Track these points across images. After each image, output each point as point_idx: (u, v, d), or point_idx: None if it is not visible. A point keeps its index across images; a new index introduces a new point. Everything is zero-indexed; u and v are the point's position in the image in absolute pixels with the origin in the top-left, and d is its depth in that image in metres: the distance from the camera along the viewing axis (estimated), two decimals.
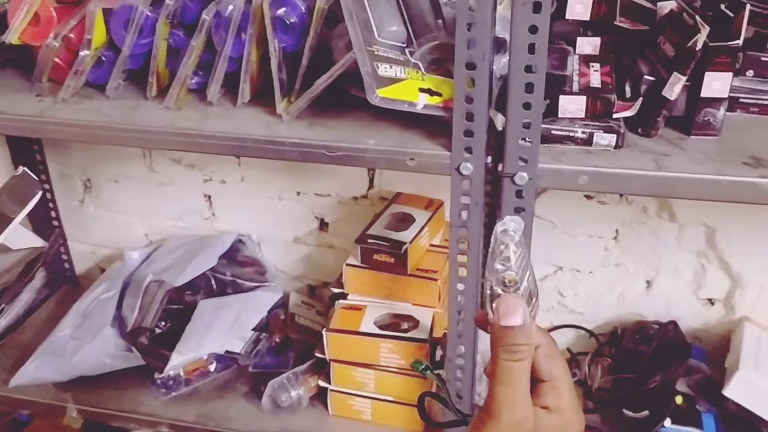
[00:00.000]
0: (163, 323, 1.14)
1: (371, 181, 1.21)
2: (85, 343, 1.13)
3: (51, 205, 1.34)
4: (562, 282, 1.20)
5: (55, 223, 1.35)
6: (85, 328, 1.16)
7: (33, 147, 1.28)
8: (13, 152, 1.29)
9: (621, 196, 1.11)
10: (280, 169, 1.24)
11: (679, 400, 1.01)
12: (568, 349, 1.19)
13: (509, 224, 0.50)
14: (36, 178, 1.10)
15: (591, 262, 1.17)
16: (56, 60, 0.93)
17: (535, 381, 0.50)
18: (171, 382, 1.13)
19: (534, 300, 0.51)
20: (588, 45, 0.88)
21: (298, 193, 1.26)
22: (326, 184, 1.24)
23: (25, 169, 1.08)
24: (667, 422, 0.98)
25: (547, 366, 0.49)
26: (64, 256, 1.39)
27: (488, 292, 0.50)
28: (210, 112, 0.89)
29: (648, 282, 1.17)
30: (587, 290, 1.20)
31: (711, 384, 1.03)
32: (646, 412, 1.00)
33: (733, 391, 0.96)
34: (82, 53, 0.89)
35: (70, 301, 1.26)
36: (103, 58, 0.92)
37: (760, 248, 1.08)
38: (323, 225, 1.28)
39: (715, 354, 1.10)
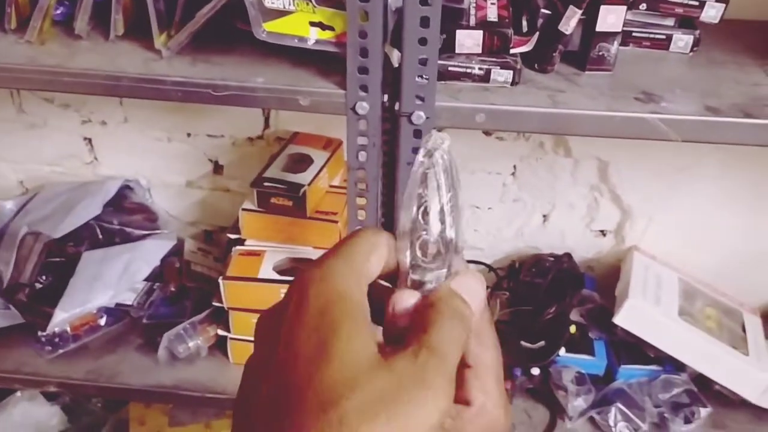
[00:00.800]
0: (43, 278, 1.06)
1: (267, 121, 1.16)
2: None
3: None
4: None
5: None
6: None
7: None
8: None
9: (518, 132, 1.11)
10: (167, 109, 1.15)
11: (573, 329, 1.05)
12: None
13: (438, 142, 0.35)
14: None
15: (490, 198, 1.18)
16: None
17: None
18: (57, 339, 1.06)
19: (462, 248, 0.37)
20: None
21: (189, 135, 1.18)
22: (219, 124, 1.17)
23: None
24: (562, 351, 1.02)
25: (475, 347, 0.36)
26: None
27: (410, 261, 0.35)
28: (78, 47, 0.80)
29: (544, 216, 1.19)
30: (486, 226, 1.21)
31: (602, 312, 1.07)
32: (542, 343, 1.04)
33: (622, 318, 1.00)
34: None
35: None
36: None
37: (648, 181, 1.12)
38: (218, 168, 1.22)
39: (605, 283, 1.14)
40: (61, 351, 1.07)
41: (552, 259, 1.16)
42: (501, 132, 1.11)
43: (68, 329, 1.07)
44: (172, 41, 0.78)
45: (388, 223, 0.88)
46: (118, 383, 1.04)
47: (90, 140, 1.21)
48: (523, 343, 1.05)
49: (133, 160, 1.22)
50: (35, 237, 1.05)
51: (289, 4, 0.72)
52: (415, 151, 0.75)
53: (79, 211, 1.11)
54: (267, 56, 0.78)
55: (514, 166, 1.15)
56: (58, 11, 0.82)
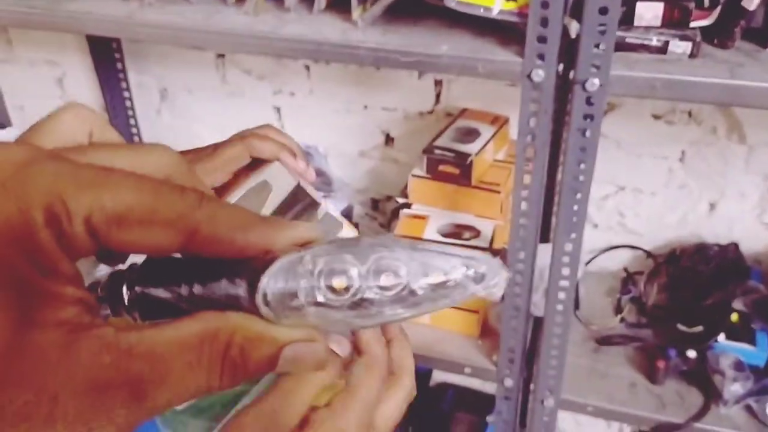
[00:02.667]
0: None
1: (438, 96, 1.23)
2: None
3: (130, 113, 1.41)
4: (623, 202, 1.21)
5: (134, 131, 1.42)
6: None
7: (114, 56, 1.34)
8: (96, 62, 1.35)
9: (690, 116, 1.10)
10: (349, 82, 1.26)
11: (734, 317, 1.02)
12: (625, 269, 1.22)
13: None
14: None
15: (654, 182, 1.18)
16: None
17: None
18: None
19: None
20: None
21: (365, 107, 1.29)
22: (393, 98, 1.26)
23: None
24: (721, 337, 1.01)
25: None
26: None
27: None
28: (287, 18, 0.92)
29: (711, 204, 1.17)
30: (648, 211, 1.21)
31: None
32: (700, 327, 1.02)
33: None
34: None
35: None
36: None
37: None
38: (389, 139, 1.31)
39: None
40: None
41: (717, 248, 1.14)
42: (671, 115, 1.11)
43: None
44: (367, 14, 0.88)
45: (550, 190, 0.92)
46: None
47: (279, 109, 1.35)
48: (679, 326, 1.04)
49: (314, 129, 1.34)
50: None
51: None
52: (587, 117, 0.78)
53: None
54: (450, 27, 0.85)
55: (683, 152, 1.13)
56: None
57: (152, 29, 0.93)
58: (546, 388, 1.01)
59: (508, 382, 1.05)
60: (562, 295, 0.94)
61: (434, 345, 1.10)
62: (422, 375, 1.53)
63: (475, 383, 1.56)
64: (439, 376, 1.59)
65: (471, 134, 1.12)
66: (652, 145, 1.14)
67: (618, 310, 1.13)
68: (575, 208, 0.86)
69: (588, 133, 0.80)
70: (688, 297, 1.08)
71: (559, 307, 0.94)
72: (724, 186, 1.14)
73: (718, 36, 0.79)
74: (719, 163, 1.12)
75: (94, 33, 1.08)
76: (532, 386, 1.05)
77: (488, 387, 1.54)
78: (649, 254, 1.22)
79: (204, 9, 0.94)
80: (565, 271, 0.91)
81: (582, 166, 0.82)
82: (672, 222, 1.20)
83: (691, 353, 1.01)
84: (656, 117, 1.11)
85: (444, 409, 1.52)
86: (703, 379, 1.00)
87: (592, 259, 1.23)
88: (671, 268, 1.16)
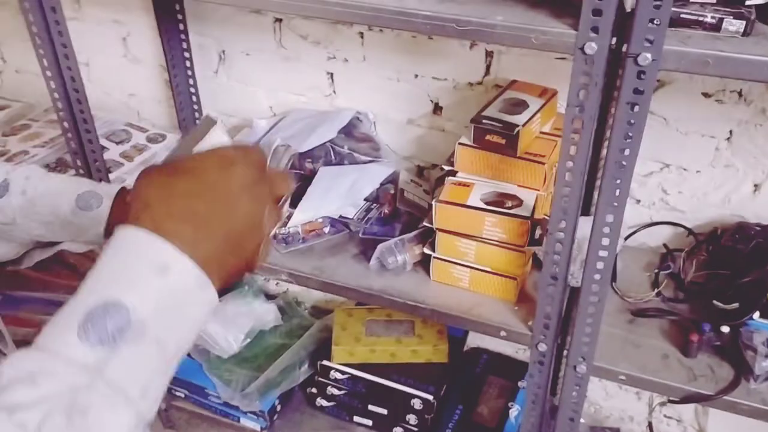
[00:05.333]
0: None
1: (488, 67, 1.25)
2: None
3: (189, 73, 1.46)
4: (667, 179, 1.23)
5: (192, 90, 1.48)
6: None
7: (177, 17, 1.39)
8: (159, 22, 1.41)
9: (740, 95, 1.10)
10: (401, 50, 1.29)
11: None
12: (665, 245, 1.23)
13: None
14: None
15: (699, 161, 1.19)
16: None
17: None
18: (290, 238, 1.26)
19: None
20: None
21: (416, 76, 1.32)
22: (444, 68, 1.29)
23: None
24: (756, 315, 1.02)
25: None
26: (198, 122, 1.53)
27: None
28: None
29: (756, 185, 1.17)
30: (692, 189, 1.22)
31: None
32: (736, 304, 1.04)
33: None
34: None
35: None
36: None
37: None
38: (437, 108, 1.34)
39: None
40: (292, 248, 1.26)
41: (758, 228, 1.15)
42: (721, 94, 1.11)
43: (300, 231, 1.26)
44: None
45: (595, 157, 0.95)
46: (336, 281, 1.21)
47: (332, 75, 1.39)
48: (715, 302, 1.06)
49: (364, 96, 1.38)
50: (285, 148, 1.25)
51: None
52: (637, 92, 0.80)
53: (318, 133, 1.30)
54: None
55: (731, 131, 1.14)
56: None
57: None
58: (579, 354, 1.05)
59: (542, 347, 1.09)
60: (600, 265, 0.96)
61: (472, 308, 1.14)
62: (458, 340, 1.58)
63: (508, 350, 1.60)
64: (473, 341, 1.63)
65: (519, 106, 1.15)
66: (699, 124, 1.15)
67: (655, 284, 1.16)
68: (618, 181, 0.88)
69: (637, 108, 0.82)
70: (725, 274, 1.10)
71: (597, 276, 0.96)
72: None
73: None
74: (767, 144, 1.12)
75: None
76: (565, 352, 1.08)
77: (521, 355, 1.58)
78: (690, 232, 1.23)
79: None
80: (605, 242, 0.94)
81: (628, 141, 0.84)
82: (715, 201, 1.21)
83: (725, 329, 1.03)
84: (706, 95, 1.12)
85: (477, 371, 1.57)
86: (735, 354, 1.02)
87: (633, 233, 1.25)
88: (711, 246, 1.18)
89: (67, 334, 0.41)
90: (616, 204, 0.90)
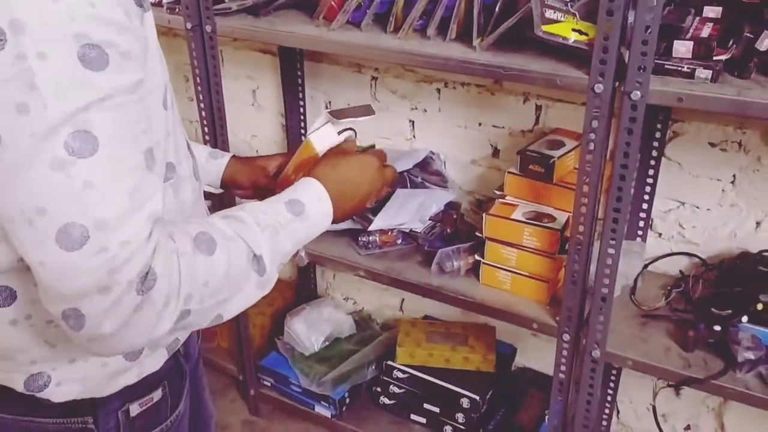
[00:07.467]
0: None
1: (537, 118, 1.57)
2: None
3: (302, 118, 1.85)
4: (682, 216, 1.47)
5: (302, 132, 1.86)
6: None
7: (297, 74, 1.80)
8: (283, 78, 1.82)
9: (740, 145, 1.36)
10: (468, 104, 1.63)
11: (760, 306, 1.25)
12: (680, 271, 1.46)
13: None
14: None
15: (709, 200, 1.43)
16: (332, 3, 1.40)
17: None
18: (369, 244, 1.57)
19: None
20: (712, 11, 1.17)
21: (480, 124, 1.64)
22: (502, 118, 1.61)
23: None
24: (745, 319, 1.24)
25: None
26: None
27: None
28: (427, 43, 1.30)
29: (758, 223, 1.40)
30: (704, 225, 1.45)
31: None
32: (729, 310, 1.26)
33: None
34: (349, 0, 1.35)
35: None
36: (362, 4, 1.37)
37: None
38: (496, 151, 1.66)
39: None
40: (369, 252, 1.57)
41: (759, 255, 1.36)
42: (724, 144, 1.37)
43: (378, 240, 1.57)
44: (484, 42, 1.24)
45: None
46: (403, 278, 1.50)
47: (413, 122, 1.74)
48: (712, 309, 1.28)
49: (438, 139, 1.71)
50: None
51: (561, 17, 1.13)
52: (631, 120, 1.09)
53: (399, 165, 1.63)
54: (540, 55, 1.19)
55: (734, 175, 1.39)
56: (418, 23, 1.34)
57: (332, 44, 1.35)
58: (594, 341, 1.29)
59: (566, 337, 1.33)
60: (607, 270, 1.22)
61: (511, 306, 1.41)
62: (506, 357, 1.81)
63: (548, 369, 1.81)
64: (521, 361, 1.86)
65: (557, 144, 1.44)
66: (708, 168, 1.40)
67: (668, 298, 1.38)
68: (619, 187, 1.15)
69: (632, 135, 1.10)
70: (724, 288, 1.32)
71: (606, 270, 1.22)
72: None
73: (738, 69, 1.08)
74: (765, 186, 1.36)
75: (295, 46, 1.54)
76: (583, 341, 1.32)
77: None
78: (704, 262, 1.46)
79: (370, 35, 1.35)
80: (610, 250, 1.19)
81: (625, 160, 1.12)
82: (724, 235, 1.44)
83: (717, 327, 1.24)
84: (712, 144, 1.38)
85: (521, 384, 1.79)
86: (724, 348, 1.23)
87: (652, 261, 1.49)
88: (718, 271, 1.40)
89: (279, 206, 0.81)
90: (617, 216, 1.16)
